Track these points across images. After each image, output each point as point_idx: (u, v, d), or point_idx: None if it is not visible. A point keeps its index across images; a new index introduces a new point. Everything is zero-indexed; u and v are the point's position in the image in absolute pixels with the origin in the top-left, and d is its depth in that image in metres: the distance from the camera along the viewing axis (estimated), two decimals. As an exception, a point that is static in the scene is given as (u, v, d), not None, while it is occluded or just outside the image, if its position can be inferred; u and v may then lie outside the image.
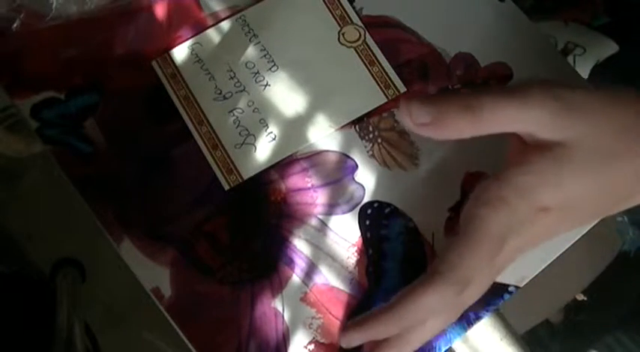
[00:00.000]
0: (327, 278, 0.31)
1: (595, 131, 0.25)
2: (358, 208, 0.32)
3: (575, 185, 0.26)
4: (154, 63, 0.33)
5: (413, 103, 0.26)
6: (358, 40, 0.34)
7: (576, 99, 0.25)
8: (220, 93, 0.33)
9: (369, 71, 0.33)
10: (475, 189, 0.27)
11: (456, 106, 0.25)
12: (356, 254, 0.32)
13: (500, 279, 0.31)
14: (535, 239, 0.27)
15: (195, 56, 0.34)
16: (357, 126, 0.33)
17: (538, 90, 0.25)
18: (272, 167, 0.32)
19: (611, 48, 0.50)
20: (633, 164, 0.26)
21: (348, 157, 0.33)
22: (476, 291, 0.27)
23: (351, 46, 0.34)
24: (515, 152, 0.27)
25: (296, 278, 0.31)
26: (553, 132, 0.25)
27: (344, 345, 0.29)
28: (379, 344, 0.29)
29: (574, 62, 0.51)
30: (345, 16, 0.34)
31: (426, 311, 0.26)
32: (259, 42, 0.34)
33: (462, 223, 0.27)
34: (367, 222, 0.32)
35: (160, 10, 0.34)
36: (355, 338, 0.29)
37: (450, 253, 0.26)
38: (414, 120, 0.26)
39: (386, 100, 0.33)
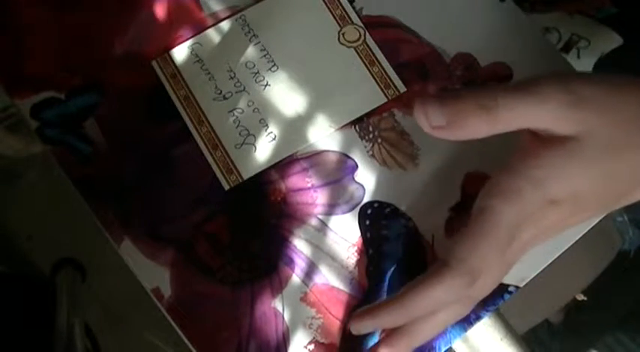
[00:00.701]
0: (327, 278, 0.31)
1: (606, 123, 0.25)
2: (358, 208, 0.32)
3: (585, 177, 0.26)
4: (154, 63, 0.33)
5: (429, 106, 0.26)
6: (358, 40, 0.34)
7: (588, 92, 0.25)
8: (220, 93, 0.33)
9: (369, 71, 0.33)
10: (488, 181, 0.27)
11: (472, 107, 0.25)
12: (356, 254, 0.32)
13: (500, 279, 0.31)
14: (545, 232, 0.27)
15: (195, 56, 0.34)
16: (357, 126, 0.33)
17: (551, 85, 0.25)
18: (272, 167, 0.32)
19: (615, 41, 0.50)
20: None
21: (348, 157, 0.33)
22: (487, 284, 0.27)
23: (351, 46, 0.34)
24: (526, 144, 0.27)
25: (296, 278, 0.31)
26: (566, 127, 0.25)
27: (353, 332, 0.29)
28: (390, 334, 0.28)
29: (578, 55, 0.50)
30: (345, 16, 0.34)
31: (435, 302, 0.26)
32: (259, 42, 0.34)
33: (474, 214, 0.26)
34: (367, 222, 0.32)
35: (160, 10, 0.34)
36: (363, 326, 0.29)
37: (460, 244, 0.26)
38: (431, 122, 0.26)
39: (386, 100, 0.33)
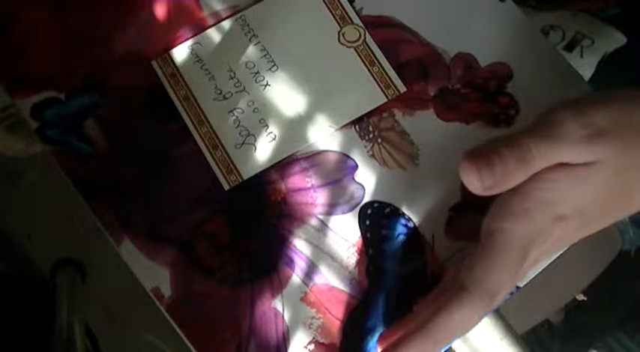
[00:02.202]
0: (327, 278, 0.31)
1: (619, 150, 0.26)
2: (358, 208, 0.32)
3: (592, 197, 0.27)
4: (154, 63, 0.33)
5: (483, 170, 0.26)
6: (358, 40, 0.34)
7: (602, 122, 0.26)
8: (220, 93, 0.33)
9: (369, 71, 0.33)
10: (494, 201, 0.27)
11: (514, 164, 0.26)
12: (356, 254, 0.32)
13: (500, 279, 0.31)
14: (553, 247, 0.28)
15: (195, 56, 0.34)
16: (357, 126, 0.33)
17: (569, 122, 0.26)
18: (272, 167, 0.32)
19: (619, 40, 0.49)
20: None
21: (348, 157, 0.33)
22: (499, 301, 0.28)
23: (351, 46, 0.34)
24: None
25: (296, 278, 0.31)
26: (583, 159, 0.26)
27: None
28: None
29: (581, 54, 0.50)
30: (345, 16, 0.34)
31: (460, 326, 0.27)
32: (259, 42, 0.34)
33: (484, 236, 0.27)
34: (367, 222, 0.32)
35: (160, 10, 0.34)
36: None
37: (476, 267, 0.27)
38: (485, 185, 0.26)
39: (386, 100, 0.33)
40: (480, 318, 0.28)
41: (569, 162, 0.26)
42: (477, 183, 0.26)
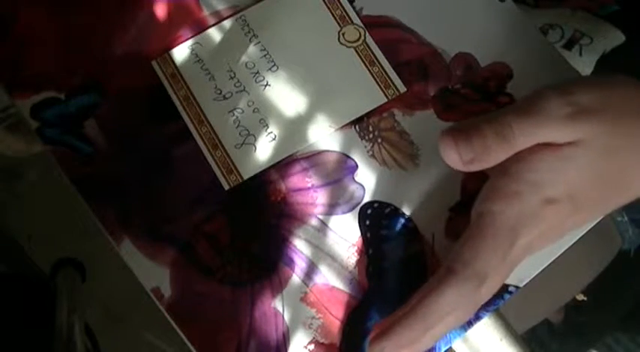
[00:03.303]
0: (327, 278, 0.31)
1: (603, 130, 0.26)
2: (358, 208, 0.32)
3: (581, 179, 0.26)
4: (154, 63, 0.33)
5: (460, 143, 0.26)
6: (358, 40, 0.34)
7: (586, 101, 0.26)
8: (220, 93, 0.33)
9: (369, 71, 0.33)
10: (484, 186, 0.27)
11: (493, 139, 0.26)
12: (356, 254, 0.32)
13: (500, 279, 0.31)
14: (546, 234, 0.27)
15: (195, 56, 0.34)
16: (357, 126, 0.33)
17: (552, 100, 0.26)
18: (272, 167, 0.32)
19: (618, 38, 0.49)
20: (638, 154, 0.27)
21: (348, 157, 0.33)
22: (490, 288, 0.27)
23: (351, 46, 0.34)
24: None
25: (296, 278, 0.31)
26: (567, 137, 0.26)
27: None
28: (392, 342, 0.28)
29: (580, 52, 0.50)
30: (345, 16, 0.34)
31: (447, 309, 0.26)
32: (259, 42, 0.34)
33: (473, 219, 0.27)
34: (367, 222, 0.32)
35: (160, 10, 0.34)
36: (385, 349, 0.28)
37: (463, 249, 0.26)
38: (464, 159, 0.26)
39: (386, 100, 0.33)
40: (471, 303, 0.27)
41: (553, 141, 0.26)
42: (455, 157, 0.26)
